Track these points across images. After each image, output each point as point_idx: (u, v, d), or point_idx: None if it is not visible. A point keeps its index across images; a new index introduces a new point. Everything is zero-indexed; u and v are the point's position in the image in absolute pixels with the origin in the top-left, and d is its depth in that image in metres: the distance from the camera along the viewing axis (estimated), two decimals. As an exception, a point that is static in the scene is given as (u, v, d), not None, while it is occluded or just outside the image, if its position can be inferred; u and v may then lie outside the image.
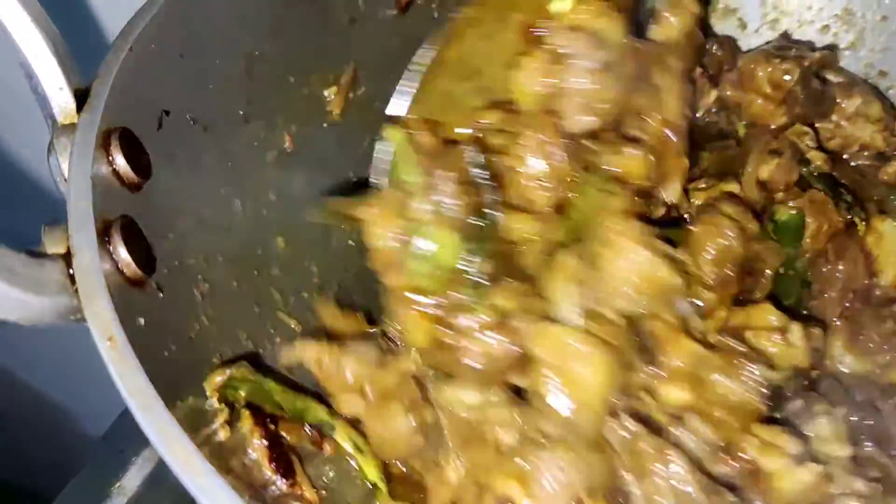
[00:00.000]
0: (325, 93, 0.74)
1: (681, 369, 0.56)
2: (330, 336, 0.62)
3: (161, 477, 0.76)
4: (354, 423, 0.57)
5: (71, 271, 0.47)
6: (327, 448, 0.55)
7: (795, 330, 0.61)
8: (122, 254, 0.49)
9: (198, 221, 0.61)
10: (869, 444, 0.61)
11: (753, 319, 0.62)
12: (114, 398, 0.46)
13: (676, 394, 0.56)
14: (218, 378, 0.53)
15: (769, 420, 0.58)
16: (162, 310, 0.53)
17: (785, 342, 0.61)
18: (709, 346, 0.59)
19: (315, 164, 0.73)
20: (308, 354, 0.58)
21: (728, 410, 0.56)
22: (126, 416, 0.50)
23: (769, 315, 0.62)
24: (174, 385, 0.49)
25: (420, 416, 0.59)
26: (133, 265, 0.49)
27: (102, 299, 0.45)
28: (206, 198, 0.62)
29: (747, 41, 0.88)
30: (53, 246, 0.48)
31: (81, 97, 0.54)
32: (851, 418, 0.61)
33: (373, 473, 0.56)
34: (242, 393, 0.53)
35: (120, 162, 0.52)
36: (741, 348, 0.58)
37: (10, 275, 0.42)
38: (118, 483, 0.76)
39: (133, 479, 0.76)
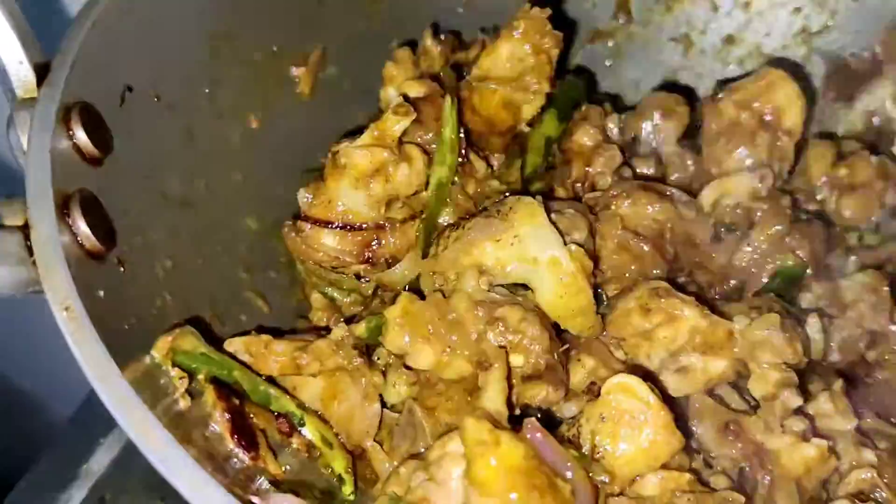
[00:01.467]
0: (294, 72, 0.74)
1: None
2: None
3: (128, 460, 0.75)
4: (324, 419, 0.57)
5: (29, 243, 0.46)
6: (295, 442, 0.54)
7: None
8: (82, 227, 0.49)
9: (161, 198, 0.61)
10: (872, 417, 0.61)
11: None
12: (81, 381, 0.45)
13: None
14: (163, 342, 0.53)
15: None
16: (123, 284, 0.52)
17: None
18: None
19: (283, 144, 0.73)
20: (236, 346, 0.57)
21: None
22: (92, 399, 0.49)
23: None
24: (132, 355, 0.50)
25: (370, 382, 0.59)
26: (93, 238, 0.49)
27: (60, 270, 0.45)
28: (168, 175, 0.62)
29: (719, 22, 0.88)
30: (12, 218, 0.48)
31: (42, 71, 0.53)
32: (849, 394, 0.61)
33: (340, 466, 0.56)
34: (201, 376, 0.52)
35: (80, 136, 0.52)
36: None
37: (-34, 246, 0.42)
38: (85, 465, 0.75)
39: (100, 461, 0.75)
